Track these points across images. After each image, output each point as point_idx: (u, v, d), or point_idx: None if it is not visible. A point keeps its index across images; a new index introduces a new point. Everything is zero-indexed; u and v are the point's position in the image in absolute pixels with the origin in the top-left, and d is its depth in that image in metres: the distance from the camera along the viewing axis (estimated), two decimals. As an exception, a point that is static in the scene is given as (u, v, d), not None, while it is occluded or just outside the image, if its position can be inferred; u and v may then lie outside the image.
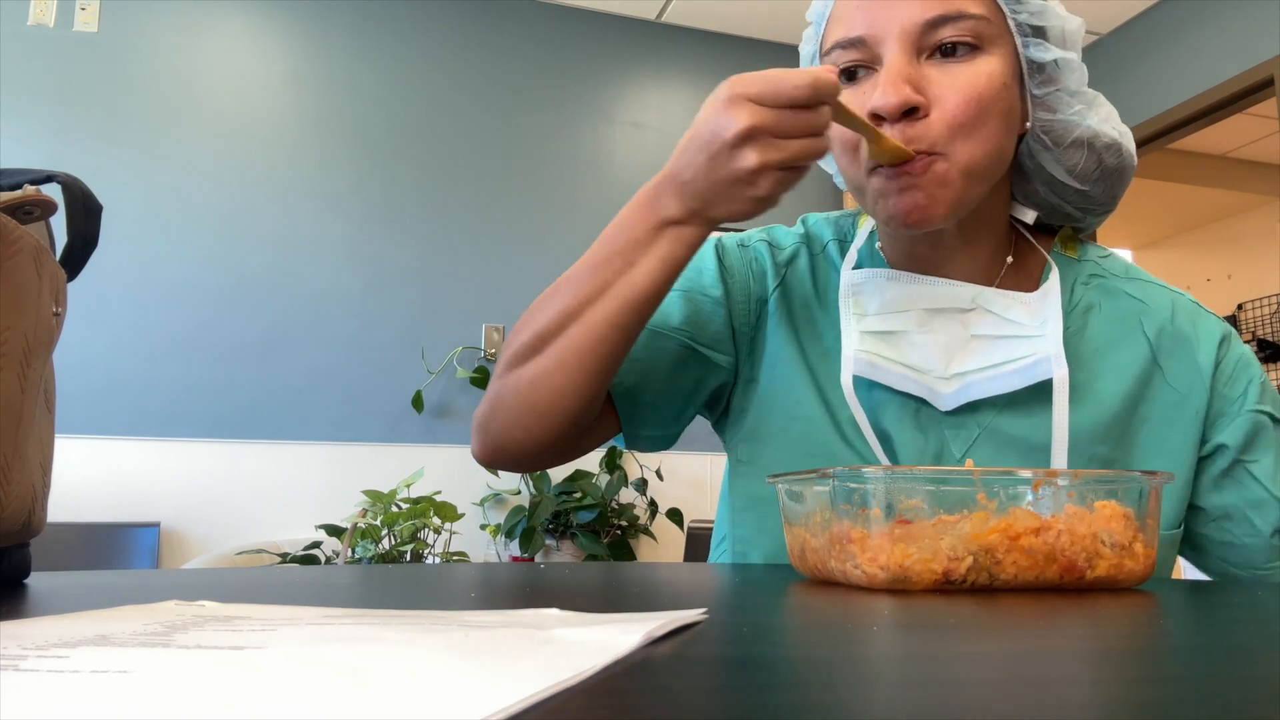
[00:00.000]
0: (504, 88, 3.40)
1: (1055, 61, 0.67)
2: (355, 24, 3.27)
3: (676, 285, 0.76)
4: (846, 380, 0.70)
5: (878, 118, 0.63)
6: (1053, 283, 0.70)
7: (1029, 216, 0.74)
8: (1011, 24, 0.66)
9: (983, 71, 0.64)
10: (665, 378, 0.75)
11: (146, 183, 2.95)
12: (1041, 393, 0.68)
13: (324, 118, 3.18)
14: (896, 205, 0.65)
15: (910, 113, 0.63)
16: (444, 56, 3.35)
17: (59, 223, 0.55)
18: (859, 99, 0.65)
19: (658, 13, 3.58)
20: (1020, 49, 0.67)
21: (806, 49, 0.76)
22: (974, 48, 0.64)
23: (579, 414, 0.67)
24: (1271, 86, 2.98)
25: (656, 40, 3.64)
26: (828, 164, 0.78)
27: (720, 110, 0.58)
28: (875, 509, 0.50)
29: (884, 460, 0.70)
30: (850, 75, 0.67)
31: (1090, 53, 3.69)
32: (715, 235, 0.74)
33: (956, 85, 0.63)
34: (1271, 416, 0.71)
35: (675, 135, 3.37)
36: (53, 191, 0.54)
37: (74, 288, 0.58)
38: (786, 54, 3.72)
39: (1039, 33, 0.67)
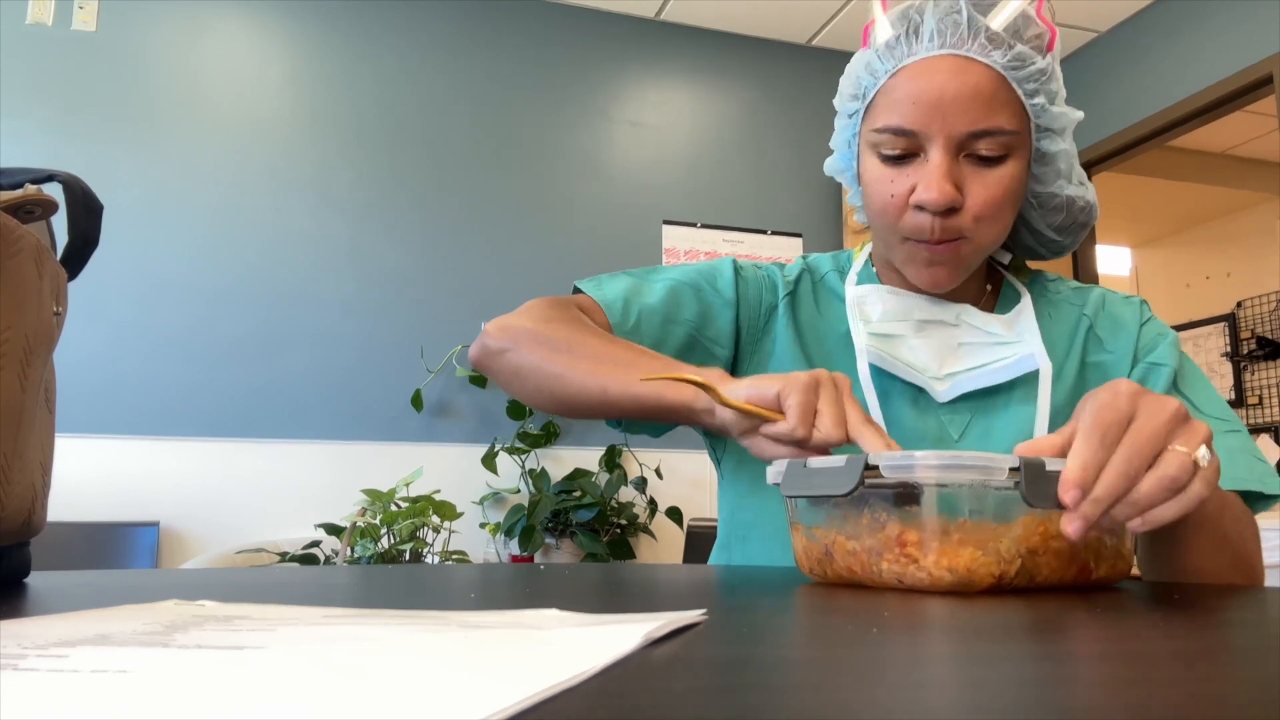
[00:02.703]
0: (502, 86, 3.40)
1: (1058, 152, 0.79)
2: (354, 23, 3.27)
3: (692, 284, 0.87)
4: (863, 367, 0.82)
5: (921, 207, 0.75)
6: (1025, 303, 0.85)
7: (1005, 258, 0.90)
8: (1033, 127, 0.78)
9: (1008, 175, 0.76)
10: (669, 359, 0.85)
11: (146, 182, 2.95)
12: (1021, 385, 0.82)
13: (323, 117, 3.18)
14: (921, 274, 0.79)
15: (950, 209, 0.75)
16: (442, 55, 3.35)
17: (59, 221, 0.55)
18: (902, 180, 0.76)
19: (656, 11, 3.58)
20: (1034, 143, 0.79)
21: (848, 105, 0.83)
22: (1004, 157, 0.75)
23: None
24: (1271, 84, 2.98)
25: (655, 38, 3.63)
26: (853, 199, 0.90)
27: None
28: (936, 512, 0.50)
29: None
30: (895, 159, 0.77)
31: (1090, 51, 3.69)
32: (731, 256, 0.92)
33: (986, 186, 0.75)
34: (1170, 369, 0.82)
35: (674, 133, 3.36)
36: (53, 191, 0.54)
37: (74, 287, 0.58)
38: (785, 53, 3.72)
39: (1049, 130, 0.79)
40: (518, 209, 3.34)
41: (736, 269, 0.89)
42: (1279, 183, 4.93)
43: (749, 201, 3.62)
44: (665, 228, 3.50)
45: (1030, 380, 0.81)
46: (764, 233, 3.60)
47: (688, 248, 3.51)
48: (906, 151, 0.76)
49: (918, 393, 0.83)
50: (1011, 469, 0.49)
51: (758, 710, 0.21)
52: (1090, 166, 3.71)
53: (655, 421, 0.78)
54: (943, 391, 0.80)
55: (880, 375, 0.83)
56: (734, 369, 0.89)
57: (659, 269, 0.90)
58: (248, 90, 3.12)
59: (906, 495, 0.51)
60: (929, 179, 0.74)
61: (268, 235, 3.05)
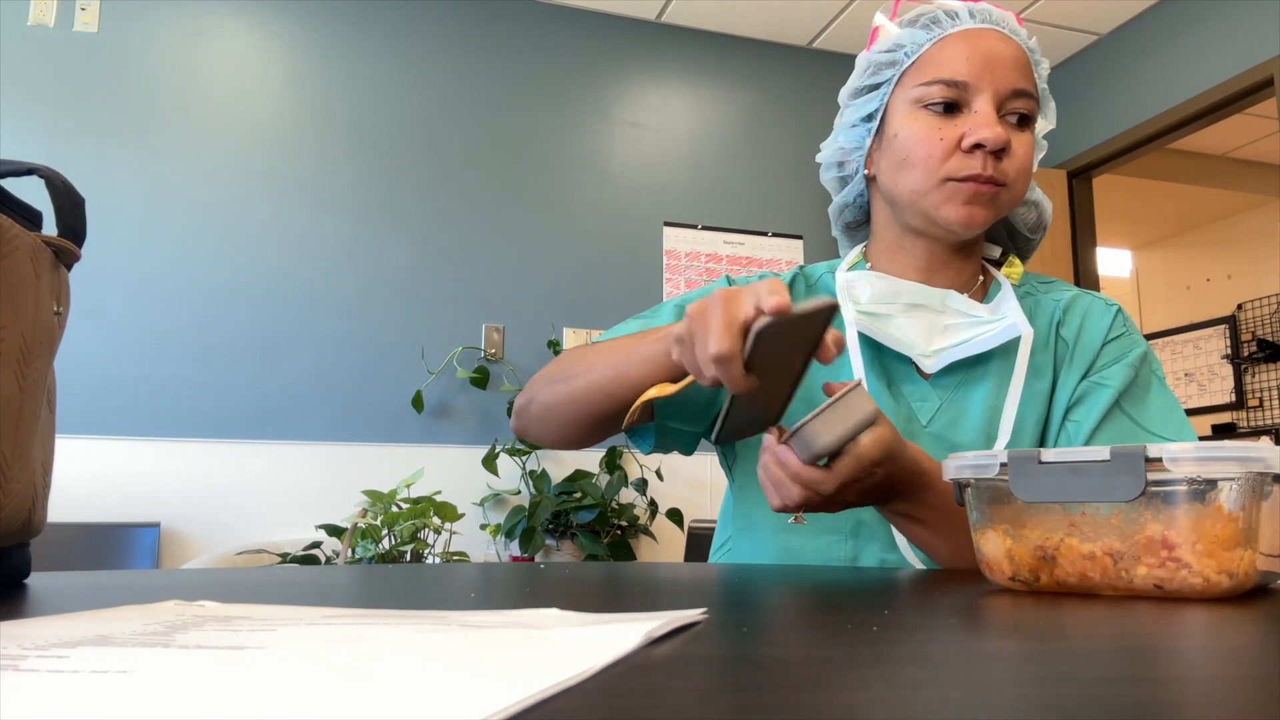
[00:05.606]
0: (503, 87, 3.40)
1: (1043, 137, 0.89)
2: (355, 24, 3.27)
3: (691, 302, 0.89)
4: (853, 337, 0.86)
5: (978, 145, 0.80)
6: (1007, 289, 0.89)
7: (995, 253, 0.96)
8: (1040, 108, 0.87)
9: (1031, 140, 0.85)
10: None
11: (146, 182, 2.95)
12: (990, 371, 0.85)
13: (324, 117, 3.18)
14: (959, 211, 0.82)
15: (999, 150, 0.81)
16: (444, 56, 3.35)
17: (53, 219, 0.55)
18: (950, 128, 0.82)
19: (657, 13, 3.58)
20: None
21: (880, 74, 0.88)
22: (1030, 120, 0.84)
23: (584, 430, 0.85)
24: (1271, 86, 2.98)
25: (656, 40, 3.64)
26: (824, 162, 0.96)
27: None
28: (1219, 504, 0.45)
29: None
30: (942, 110, 0.83)
31: (1090, 53, 3.69)
32: (724, 274, 0.94)
33: (1020, 144, 0.83)
34: (1112, 391, 0.83)
35: (674, 135, 3.36)
36: (35, 185, 0.54)
37: (75, 287, 0.58)
38: (786, 55, 3.72)
39: (1037, 121, 0.88)
40: (519, 210, 3.34)
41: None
42: (1279, 185, 4.93)
43: (749, 203, 3.62)
44: (666, 229, 3.50)
45: (1006, 368, 0.84)
46: (765, 234, 3.61)
47: (688, 249, 3.51)
48: (954, 102, 0.82)
49: (893, 378, 0.86)
50: None
51: (758, 710, 0.21)
52: (1091, 169, 3.71)
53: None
54: (931, 365, 0.84)
55: (865, 349, 0.86)
56: None
57: (665, 302, 0.94)
58: (249, 91, 3.12)
59: (1166, 492, 0.46)
60: (986, 121, 0.80)
61: (269, 236, 3.05)
